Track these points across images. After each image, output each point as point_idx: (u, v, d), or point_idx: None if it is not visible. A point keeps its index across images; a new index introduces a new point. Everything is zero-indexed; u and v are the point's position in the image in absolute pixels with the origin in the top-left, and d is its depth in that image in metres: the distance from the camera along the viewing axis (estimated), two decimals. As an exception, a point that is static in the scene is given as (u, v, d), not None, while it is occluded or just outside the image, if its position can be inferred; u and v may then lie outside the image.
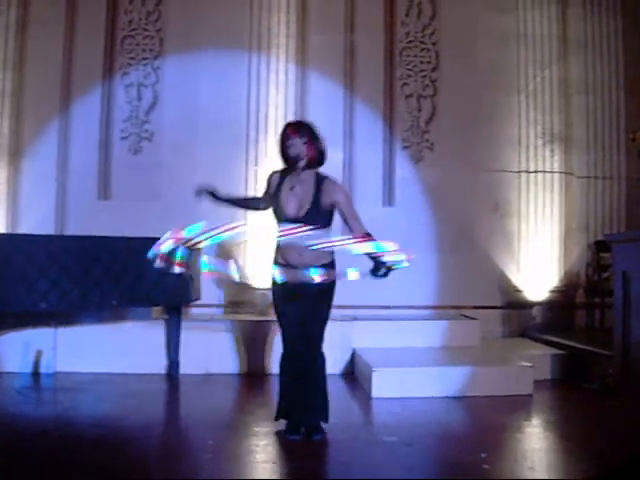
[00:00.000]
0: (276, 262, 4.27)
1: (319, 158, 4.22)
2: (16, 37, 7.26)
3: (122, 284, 5.38)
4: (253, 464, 3.96)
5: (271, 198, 4.28)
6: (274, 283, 4.32)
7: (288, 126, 4.26)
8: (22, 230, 6.94)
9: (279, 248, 4.25)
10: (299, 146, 4.14)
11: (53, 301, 5.11)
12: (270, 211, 4.31)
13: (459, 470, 3.77)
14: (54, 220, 7.12)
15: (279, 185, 4.26)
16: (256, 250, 7.00)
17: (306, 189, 4.18)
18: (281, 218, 4.21)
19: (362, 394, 5.58)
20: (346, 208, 4.17)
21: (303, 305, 4.18)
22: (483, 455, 3.92)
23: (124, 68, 7.38)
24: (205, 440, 4.24)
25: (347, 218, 4.18)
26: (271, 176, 4.35)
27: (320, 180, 4.19)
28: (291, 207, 4.18)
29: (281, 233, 4.14)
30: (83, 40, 7.33)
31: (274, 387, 5.91)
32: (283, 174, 4.29)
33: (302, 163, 4.17)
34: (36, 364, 6.11)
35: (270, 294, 4.42)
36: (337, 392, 5.67)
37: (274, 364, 6.19)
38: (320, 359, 4.28)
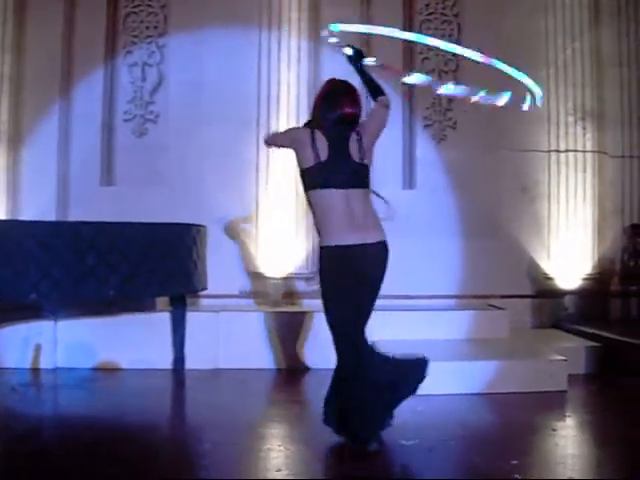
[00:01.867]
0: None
1: None
2: (15, 17, 6.93)
3: (119, 273, 4.98)
4: (254, 471, 3.56)
5: None
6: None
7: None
8: (23, 218, 6.59)
9: None
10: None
11: (44, 291, 4.74)
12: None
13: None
14: (55, 207, 6.81)
15: None
16: (270, 237, 6.63)
17: None
18: None
19: (381, 391, 5.16)
20: None
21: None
22: (514, 462, 3.49)
23: (127, 47, 6.99)
24: (203, 443, 3.86)
25: None
26: None
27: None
28: None
29: None
30: (84, 19, 6.97)
31: (289, 383, 5.61)
32: None
33: None
34: (35, 359, 5.83)
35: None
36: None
37: (291, 358, 5.89)
38: None
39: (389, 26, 6.77)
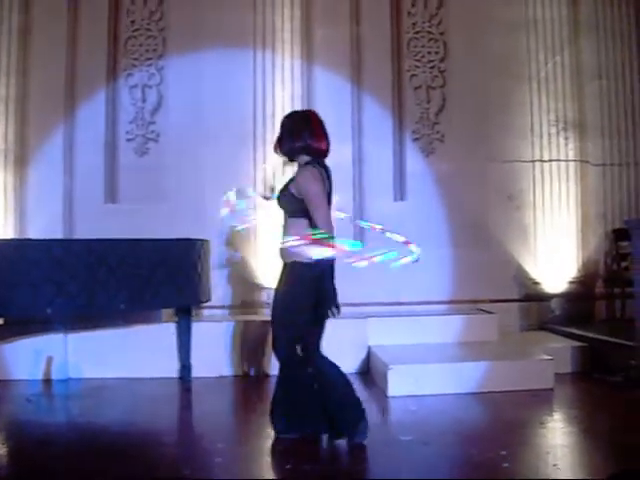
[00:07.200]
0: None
1: (287, 153, 4.18)
2: (19, 42, 7.17)
3: (129, 287, 5.26)
4: (264, 467, 3.85)
5: None
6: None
7: None
8: (30, 236, 6.83)
9: None
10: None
11: (59, 306, 5.00)
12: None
13: (478, 469, 3.63)
14: (62, 225, 7.03)
15: None
16: (267, 248, 6.90)
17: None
18: None
19: (378, 392, 5.46)
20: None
21: None
22: (503, 452, 3.79)
23: (128, 69, 7.26)
24: (215, 443, 4.14)
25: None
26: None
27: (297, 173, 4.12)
28: None
29: None
30: (86, 43, 7.22)
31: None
32: None
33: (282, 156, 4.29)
34: (47, 371, 6.05)
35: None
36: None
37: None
38: None
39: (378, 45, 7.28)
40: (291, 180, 4.11)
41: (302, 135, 4.07)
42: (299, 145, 4.08)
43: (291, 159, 4.19)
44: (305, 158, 4.09)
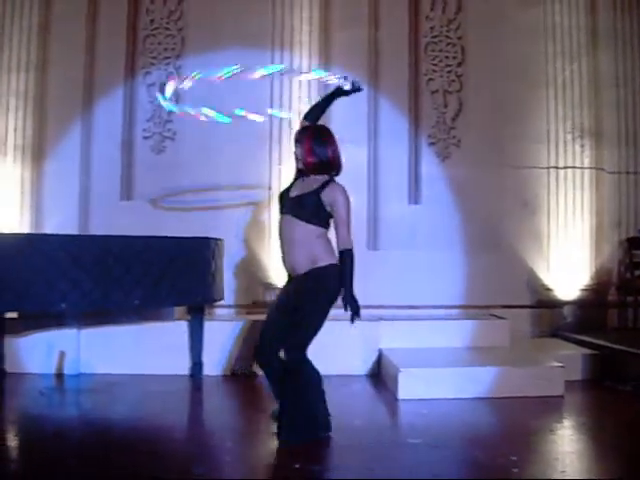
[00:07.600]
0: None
1: (319, 164, 4.17)
2: (38, 38, 7.23)
3: (144, 284, 5.29)
4: (273, 467, 3.86)
5: None
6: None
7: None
8: (46, 231, 6.89)
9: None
10: (298, 150, 4.22)
11: (73, 301, 5.03)
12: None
13: (487, 473, 3.63)
14: (77, 221, 7.08)
15: None
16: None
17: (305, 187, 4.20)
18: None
19: (388, 395, 5.46)
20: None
21: None
22: (513, 458, 3.79)
23: (146, 67, 7.32)
24: (225, 442, 4.16)
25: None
26: None
27: (326, 183, 4.15)
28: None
29: None
30: (105, 40, 7.28)
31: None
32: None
33: (299, 166, 4.26)
34: (59, 365, 6.09)
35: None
36: (362, 393, 5.62)
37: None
38: None
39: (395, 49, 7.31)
40: (319, 188, 4.10)
41: (339, 153, 4.21)
42: (338, 162, 4.20)
43: (310, 171, 4.18)
44: (326, 175, 4.17)
